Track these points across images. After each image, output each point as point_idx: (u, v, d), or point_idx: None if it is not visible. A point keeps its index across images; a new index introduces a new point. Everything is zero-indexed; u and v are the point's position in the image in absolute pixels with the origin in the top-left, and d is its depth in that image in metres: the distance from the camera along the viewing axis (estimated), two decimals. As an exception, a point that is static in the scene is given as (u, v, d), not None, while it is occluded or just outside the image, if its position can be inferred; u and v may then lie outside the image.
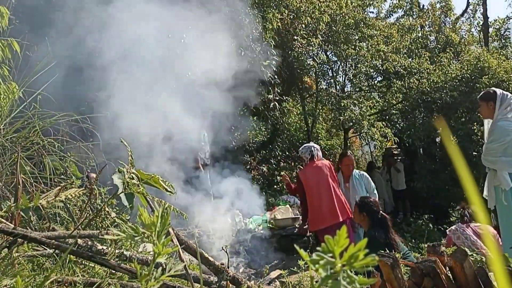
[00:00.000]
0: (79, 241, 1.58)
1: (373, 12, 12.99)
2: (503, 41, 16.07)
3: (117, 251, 1.64)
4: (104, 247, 1.65)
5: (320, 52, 10.11)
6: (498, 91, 3.58)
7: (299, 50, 8.80)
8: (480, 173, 9.09)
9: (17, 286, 1.05)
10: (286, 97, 9.82)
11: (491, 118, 3.56)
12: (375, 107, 11.73)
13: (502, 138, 3.37)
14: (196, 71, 4.59)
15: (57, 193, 1.89)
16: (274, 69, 7.81)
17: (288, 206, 5.90)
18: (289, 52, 8.82)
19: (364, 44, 10.16)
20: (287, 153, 10.62)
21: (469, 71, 10.15)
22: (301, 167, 9.90)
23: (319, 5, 8.65)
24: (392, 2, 13.73)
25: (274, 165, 9.75)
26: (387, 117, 11.03)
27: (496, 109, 3.49)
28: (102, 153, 4.18)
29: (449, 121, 10.15)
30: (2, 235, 1.59)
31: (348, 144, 12.09)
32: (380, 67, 10.30)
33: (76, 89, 3.77)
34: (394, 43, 10.39)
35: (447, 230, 4.27)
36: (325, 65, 10.12)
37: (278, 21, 7.44)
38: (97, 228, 1.93)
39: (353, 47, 9.54)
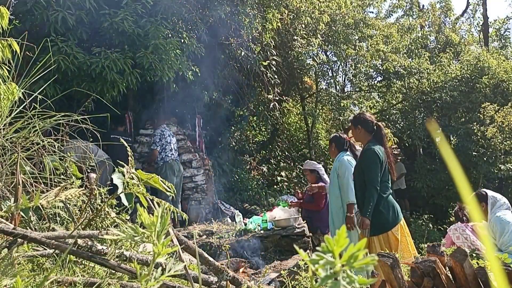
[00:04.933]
0: (79, 241, 1.58)
1: (372, 12, 13.02)
2: (503, 41, 16.08)
3: (117, 251, 1.64)
4: (104, 247, 1.65)
5: (320, 52, 10.11)
6: (489, 193, 3.66)
7: (299, 50, 8.80)
8: (480, 172, 9.13)
9: (17, 286, 1.05)
10: (286, 97, 9.82)
11: (485, 219, 3.61)
12: (375, 107, 11.74)
13: (507, 227, 3.43)
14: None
15: (57, 193, 1.89)
16: (274, 69, 7.81)
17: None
18: (289, 52, 8.82)
19: (364, 44, 10.16)
20: (287, 153, 10.62)
21: (469, 71, 10.16)
22: (301, 167, 9.92)
23: (319, 5, 8.65)
24: (392, 2, 13.73)
25: (274, 165, 9.75)
26: (387, 117, 11.03)
27: (489, 210, 3.57)
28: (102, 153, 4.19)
29: (449, 121, 10.16)
30: (2, 235, 1.59)
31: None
32: (380, 67, 10.30)
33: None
34: (393, 43, 10.40)
35: (447, 230, 4.29)
36: (325, 65, 10.12)
37: (278, 21, 7.43)
38: (97, 228, 1.93)
39: (353, 47, 9.55)
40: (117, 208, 2.27)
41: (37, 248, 1.80)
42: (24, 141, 2.28)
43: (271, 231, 4.98)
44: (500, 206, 3.58)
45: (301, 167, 9.97)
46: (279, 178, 9.27)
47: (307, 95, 10.77)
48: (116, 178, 1.65)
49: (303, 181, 9.40)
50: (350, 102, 9.85)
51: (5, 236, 1.56)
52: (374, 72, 10.96)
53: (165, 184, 1.81)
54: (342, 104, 9.38)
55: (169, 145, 6.01)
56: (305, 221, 5.24)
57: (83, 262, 1.81)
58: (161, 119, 6.28)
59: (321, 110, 10.43)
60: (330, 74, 10.56)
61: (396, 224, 3.43)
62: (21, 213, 1.72)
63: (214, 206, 6.96)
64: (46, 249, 1.72)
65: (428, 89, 10.27)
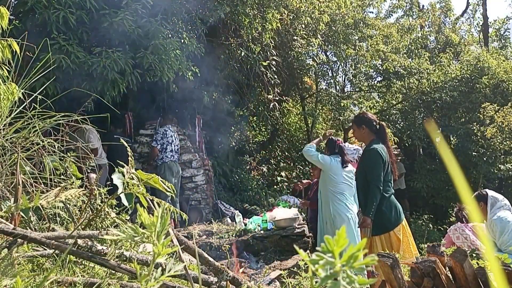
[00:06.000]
0: (79, 241, 1.58)
1: (372, 12, 13.00)
2: (502, 41, 16.07)
3: (117, 251, 1.64)
4: (104, 247, 1.65)
5: (320, 52, 10.11)
6: (490, 193, 3.67)
7: (299, 50, 8.80)
8: (479, 173, 9.13)
9: (16, 286, 1.05)
10: (286, 97, 9.82)
11: (484, 219, 3.60)
12: (375, 107, 11.73)
13: (507, 227, 3.41)
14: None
15: (57, 193, 1.89)
16: (274, 69, 7.81)
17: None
18: (289, 52, 8.81)
19: (364, 44, 10.15)
20: (286, 153, 10.62)
21: (469, 71, 10.16)
22: (301, 167, 9.92)
23: (319, 5, 8.65)
24: (392, 2, 13.72)
25: (274, 165, 9.75)
26: (387, 117, 11.03)
27: (488, 210, 3.56)
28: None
29: (449, 121, 10.16)
30: (2, 235, 1.59)
31: (348, 144, 12.08)
32: (380, 67, 10.30)
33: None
34: (393, 43, 10.39)
35: (447, 230, 4.30)
36: (325, 65, 10.11)
37: (278, 21, 7.43)
38: (97, 228, 1.93)
39: (353, 47, 9.55)
40: (117, 208, 2.26)
41: (37, 248, 1.80)
42: (24, 141, 2.28)
43: (271, 231, 4.98)
44: (500, 206, 3.58)
45: (301, 167, 9.97)
46: (279, 178, 9.27)
47: (307, 95, 10.76)
48: (116, 178, 1.65)
49: (303, 181, 9.38)
50: (350, 102, 9.84)
51: (5, 236, 1.56)
52: (374, 72, 10.96)
53: (165, 184, 1.81)
54: (342, 104, 9.37)
55: (170, 145, 5.99)
56: (308, 224, 5.25)
57: (83, 262, 1.81)
58: (165, 119, 6.29)
59: (321, 110, 10.43)
60: (330, 74, 10.55)
61: (398, 224, 3.43)
62: (21, 213, 1.72)
63: (214, 206, 6.96)
64: (46, 249, 1.72)
65: (428, 89, 10.26)
